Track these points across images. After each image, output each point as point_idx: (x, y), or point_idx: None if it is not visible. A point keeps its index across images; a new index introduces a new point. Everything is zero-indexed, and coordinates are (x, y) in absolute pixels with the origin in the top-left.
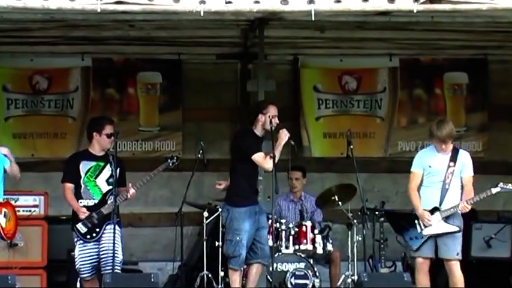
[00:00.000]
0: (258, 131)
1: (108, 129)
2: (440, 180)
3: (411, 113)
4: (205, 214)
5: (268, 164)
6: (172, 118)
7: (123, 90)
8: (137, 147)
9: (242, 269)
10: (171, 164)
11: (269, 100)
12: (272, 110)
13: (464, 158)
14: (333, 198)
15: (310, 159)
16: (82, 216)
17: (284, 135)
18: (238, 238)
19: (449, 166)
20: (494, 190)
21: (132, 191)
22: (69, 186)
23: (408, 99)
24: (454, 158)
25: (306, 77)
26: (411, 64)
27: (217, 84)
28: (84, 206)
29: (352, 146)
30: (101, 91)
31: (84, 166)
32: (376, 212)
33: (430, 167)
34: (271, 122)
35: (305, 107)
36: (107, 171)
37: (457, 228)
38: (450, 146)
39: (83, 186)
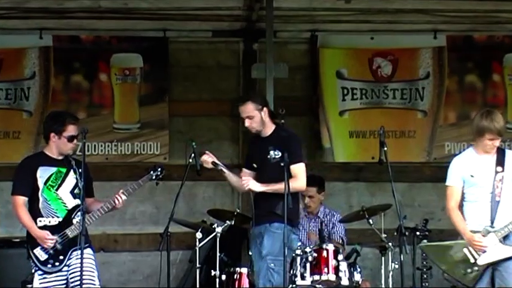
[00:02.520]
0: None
1: (71, 130)
2: (488, 191)
3: (462, 106)
4: (199, 235)
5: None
6: (156, 113)
7: (93, 77)
8: (111, 150)
9: None
10: (154, 177)
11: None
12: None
13: None
14: (361, 213)
15: (332, 165)
16: (49, 244)
17: (206, 162)
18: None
19: (496, 172)
20: None
21: (123, 197)
22: (23, 200)
23: (458, 88)
24: (501, 161)
25: (327, 59)
26: (462, 43)
27: (213, 69)
28: (44, 227)
29: (386, 148)
30: (65, 78)
31: (42, 173)
32: (418, 233)
33: (472, 176)
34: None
35: (326, 98)
36: (71, 180)
37: None
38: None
39: (41, 199)
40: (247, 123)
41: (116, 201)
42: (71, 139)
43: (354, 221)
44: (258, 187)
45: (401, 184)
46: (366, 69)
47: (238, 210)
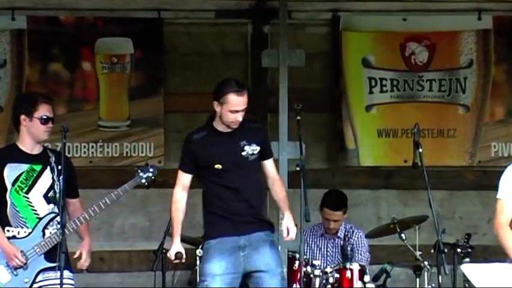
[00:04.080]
0: (218, 124)
1: (44, 110)
2: None
3: (511, 100)
4: (199, 252)
5: None
6: (149, 108)
7: (74, 65)
8: (96, 152)
9: None
10: (144, 179)
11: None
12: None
13: None
14: (391, 226)
15: (358, 169)
16: (16, 262)
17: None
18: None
19: None
20: None
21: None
22: None
23: (507, 79)
24: None
25: (351, 45)
26: (511, 25)
27: (217, 56)
28: (12, 238)
29: (421, 150)
30: (41, 67)
31: (10, 172)
32: (459, 250)
33: None
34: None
35: (350, 90)
36: (46, 180)
37: None
38: None
39: (9, 204)
40: (239, 117)
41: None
42: (44, 121)
43: (383, 235)
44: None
45: (440, 192)
46: (397, 57)
47: None
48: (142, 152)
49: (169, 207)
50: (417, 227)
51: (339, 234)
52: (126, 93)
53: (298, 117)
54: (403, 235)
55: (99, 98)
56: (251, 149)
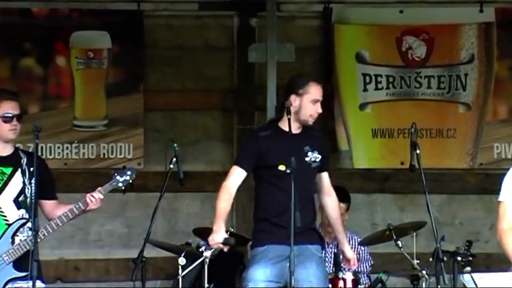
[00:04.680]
0: (284, 124)
1: (7, 107)
2: None
3: None
4: (182, 261)
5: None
6: (128, 106)
7: (48, 61)
8: (71, 154)
9: None
10: (121, 183)
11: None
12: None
13: None
14: (387, 233)
15: (351, 172)
16: None
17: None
18: None
19: None
20: None
21: (98, 196)
22: None
23: (511, 75)
24: None
25: (344, 39)
26: None
27: (200, 51)
28: None
29: (419, 151)
30: (12, 62)
31: None
32: (459, 258)
33: None
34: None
35: (342, 87)
36: (17, 183)
37: None
38: None
39: None
40: (320, 109)
41: (89, 201)
42: (8, 119)
43: (378, 243)
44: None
45: (439, 196)
46: (394, 51)
47: (232, 230)
48: (120, 154)
49: (150, 213)
50: (415, 233)
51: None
52: (103, 91)
53: (289, 116)
54: (399, 242)
55: (75, 96)
56: (314, 156)
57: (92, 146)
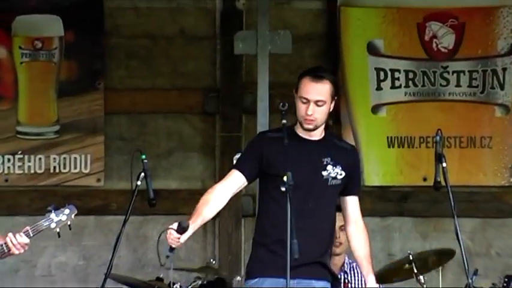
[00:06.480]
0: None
1: None
2: None
3: None
4: None
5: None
6: (84, 108)
7: None
8: (14, 167)
9: None
10: (55, 223)
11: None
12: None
13: None
14: (407, 266)
15: (362, 190)
16: None
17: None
18: None
19: None
20: None
21: (21, 240)
22: None
23: None
24: None
25: (352, 25)
26: None
27: (175, 40)
28: None
29: (445, 165)
30: None
31: None
32: None
33: None
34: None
35: (351, 85)
36: None
37: None
38: None
39: None
40: (310, 111)
41: (10, 244)
42: None
43: (395, 278)
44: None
45: (471, 220)
46: (415, 41)
47: (214, 262)
48: (75, 168)
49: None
50: (440, 267)
51: (345, 268)
52: (53, 89)
53: (284, 121)
54: (421, 277)
55: (18, 96)
56: (334, 172)
57: (40, 158)
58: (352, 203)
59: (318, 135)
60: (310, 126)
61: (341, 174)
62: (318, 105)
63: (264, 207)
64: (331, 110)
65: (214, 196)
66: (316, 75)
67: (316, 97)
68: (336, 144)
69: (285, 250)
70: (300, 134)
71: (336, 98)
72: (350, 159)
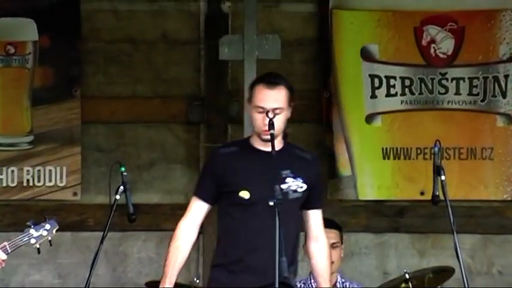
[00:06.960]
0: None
1: None
2: None
3: None
4: None
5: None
6: (60, 118)
7: None
8: None
9: None
10: (34, 239)
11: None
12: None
13: None
14: (403, 285)
15: (356, 205)
16: None
17: None
18: None
19: None
20: None
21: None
22: None
23: None
24: None
25: (346, 29)
26: None
27: (156, 45)
28: None
29: (444, 177)
30: None
31: None
32: None
33: None
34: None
35: (343, 92)
36: None
37: None
38: None
39: None
40: (267, 120)
41: None
42: None
43: None
44: None
45: (471, 237)
46: (411, 46)
47: (198, 281)
48: (50, 181)
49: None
50: (439, 286)
51: (337, 286)
52: (27, 97)
53: (272, 131)
54: None
55: None
56: (295, 184)
57: (12, 171)
58: (314, 217)
59: (276, 145)
60: (266, 137)
61: (301, 187)
62: (276, 113)
63: (222, 225)
64: (288, 117)
65: (183, 241)
66: (271, 81)
67: (272, 105)
68: (296, 154)
69: (244, 270)
70: (257, 146)
71: (292, 104)
72: (312, 171)
